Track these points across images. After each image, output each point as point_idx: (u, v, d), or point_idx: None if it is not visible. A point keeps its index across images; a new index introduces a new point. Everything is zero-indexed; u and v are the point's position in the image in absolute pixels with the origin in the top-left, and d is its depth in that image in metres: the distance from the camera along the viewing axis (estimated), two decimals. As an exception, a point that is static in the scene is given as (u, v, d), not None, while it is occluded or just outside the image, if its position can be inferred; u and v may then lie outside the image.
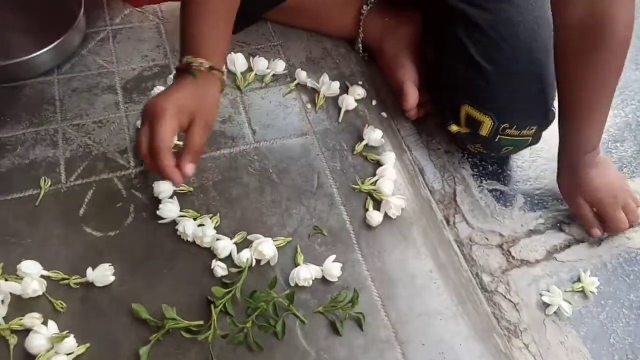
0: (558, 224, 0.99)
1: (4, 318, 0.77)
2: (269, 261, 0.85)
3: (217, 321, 0.78)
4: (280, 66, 1.09)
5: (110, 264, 0.81)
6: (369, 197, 0.94)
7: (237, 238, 0.87)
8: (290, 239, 0.88)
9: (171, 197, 0.89)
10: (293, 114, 1.05)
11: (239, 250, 0.85)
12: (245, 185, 0.94)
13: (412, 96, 1.03)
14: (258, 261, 0.85)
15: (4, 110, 0.99)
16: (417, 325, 0.83)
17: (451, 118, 1.00)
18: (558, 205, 1.01)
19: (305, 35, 1.17)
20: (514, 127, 0.95)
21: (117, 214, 0.89)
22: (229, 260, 0.85)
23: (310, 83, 1.08)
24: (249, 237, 0.87)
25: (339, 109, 1.06)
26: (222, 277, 0.83)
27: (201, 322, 0.78)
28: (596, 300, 0.90)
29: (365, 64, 1.15)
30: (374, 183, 0.95)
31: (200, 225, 0.86)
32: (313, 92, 1.08)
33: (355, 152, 1.00)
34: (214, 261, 0.84)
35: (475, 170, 1.04)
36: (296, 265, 0.86)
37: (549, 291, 0.90)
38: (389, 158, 0.99)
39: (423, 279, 0.87)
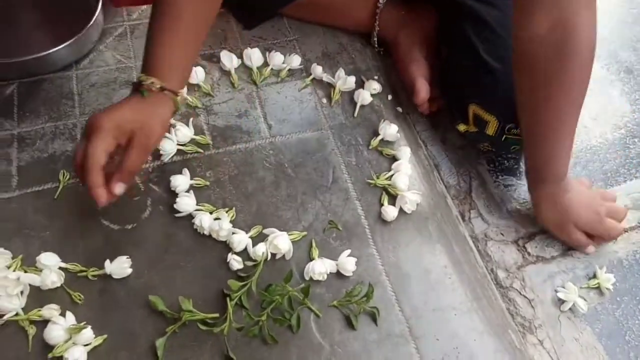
0: (574, 220, 0.98)
1: (23, 309, 0.78)
2: (284, 255, 0.86)
3: (233, 314, 0.79)
4: (296, 61, 1.09)
5: (127, 256, 0.82)
6: (384, 192, 0.94)
7: (252, 232, 0.87)
8: (305, 233, 0.89)
9: (188, 191, 0.90)
10: (309, 108, 1.05)
11: (254, 244, 0.85)
12: (261, 180, 0.94)
13: (423, 91, 1.02)
14: (273, 255, 0.86)
15: (24, 105, 1.00)
16: (431, 320, 0.83)
17: (460, 117, 0.99)
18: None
19: (321, 30, 1.17)
20: (519, 128, 0.92)
21: (135, 207, 0.89)
22: (244, 253, 0.85)
23: (326, 78, 1.08)
24: (264, 231, 0.88)
25: (355, 104, 1.06)
26: (238, 270, 0.84)
27: (217, 315, 0.79)
28: (612, 297, 0.90)
29: (381, 59, 1.15)
30: (389, 178, 0.95)
31: (217, 219, 0.87)
32: (329, 87, 1.08)
33: (370, 147, 1.00)
34: (229, 255, 0.84)
35: (491, 165, 1.04)
36: (311, 259, 0.86)
37: (564, 287, 0.89)
38: (405, 153, 0.99)
39: (438, 274, 0.87)
